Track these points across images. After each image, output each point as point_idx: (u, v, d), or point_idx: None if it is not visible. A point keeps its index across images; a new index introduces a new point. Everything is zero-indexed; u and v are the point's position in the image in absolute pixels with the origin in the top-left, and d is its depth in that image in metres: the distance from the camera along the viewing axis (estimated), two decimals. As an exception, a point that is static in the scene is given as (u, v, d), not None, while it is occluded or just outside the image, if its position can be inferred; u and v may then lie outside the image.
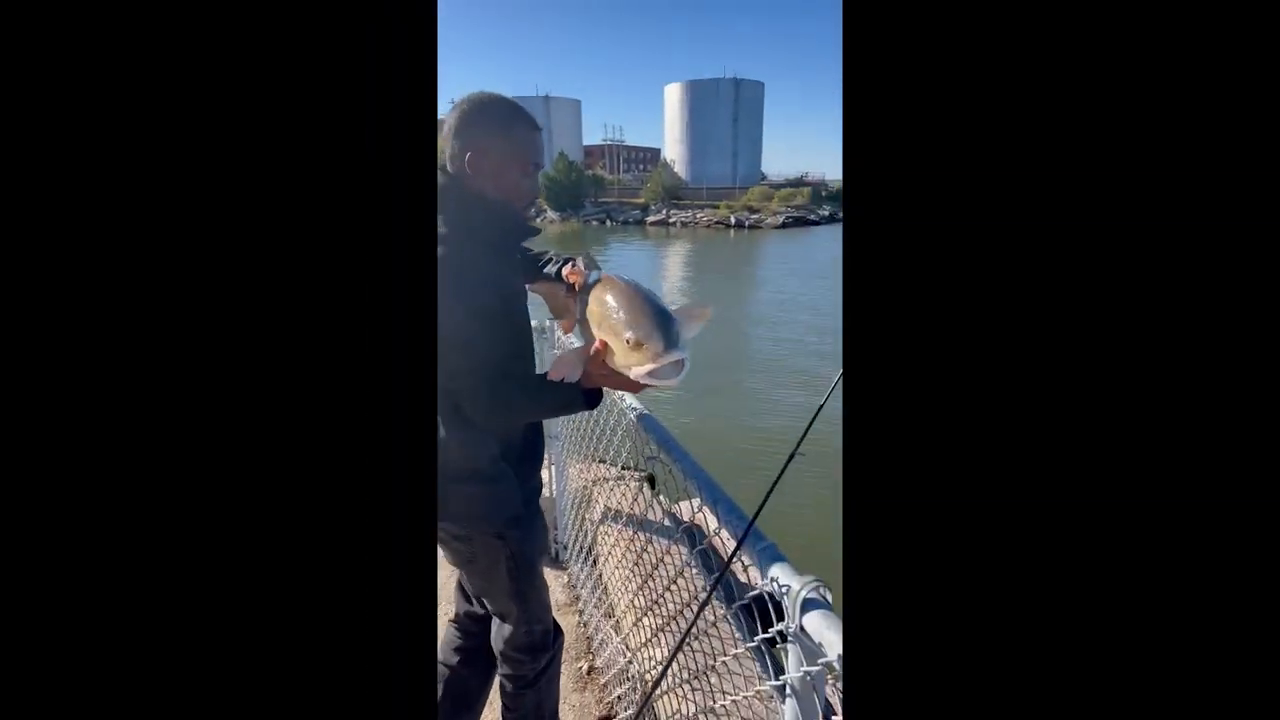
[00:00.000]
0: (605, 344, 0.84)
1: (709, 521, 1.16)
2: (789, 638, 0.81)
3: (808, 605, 0.80)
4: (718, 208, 37.37)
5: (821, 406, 0.93)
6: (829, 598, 0.83)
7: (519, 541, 1.07)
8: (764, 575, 0.90)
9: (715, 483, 1.16)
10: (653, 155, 71.26)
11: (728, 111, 52.51)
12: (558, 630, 1.24)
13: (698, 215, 36.72)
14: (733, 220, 34.68)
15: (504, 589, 1.10)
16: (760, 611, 0.91)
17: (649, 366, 0.79)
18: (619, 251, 23.06)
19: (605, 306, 0.85)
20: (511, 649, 1.17)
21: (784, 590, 0.85)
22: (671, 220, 36.83)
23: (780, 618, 0.84)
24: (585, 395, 0.91)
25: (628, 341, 0.79)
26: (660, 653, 1.50)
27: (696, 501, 1.06)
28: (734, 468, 4.64)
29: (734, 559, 0.97)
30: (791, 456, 1.00)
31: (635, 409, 1.36)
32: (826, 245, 23.29)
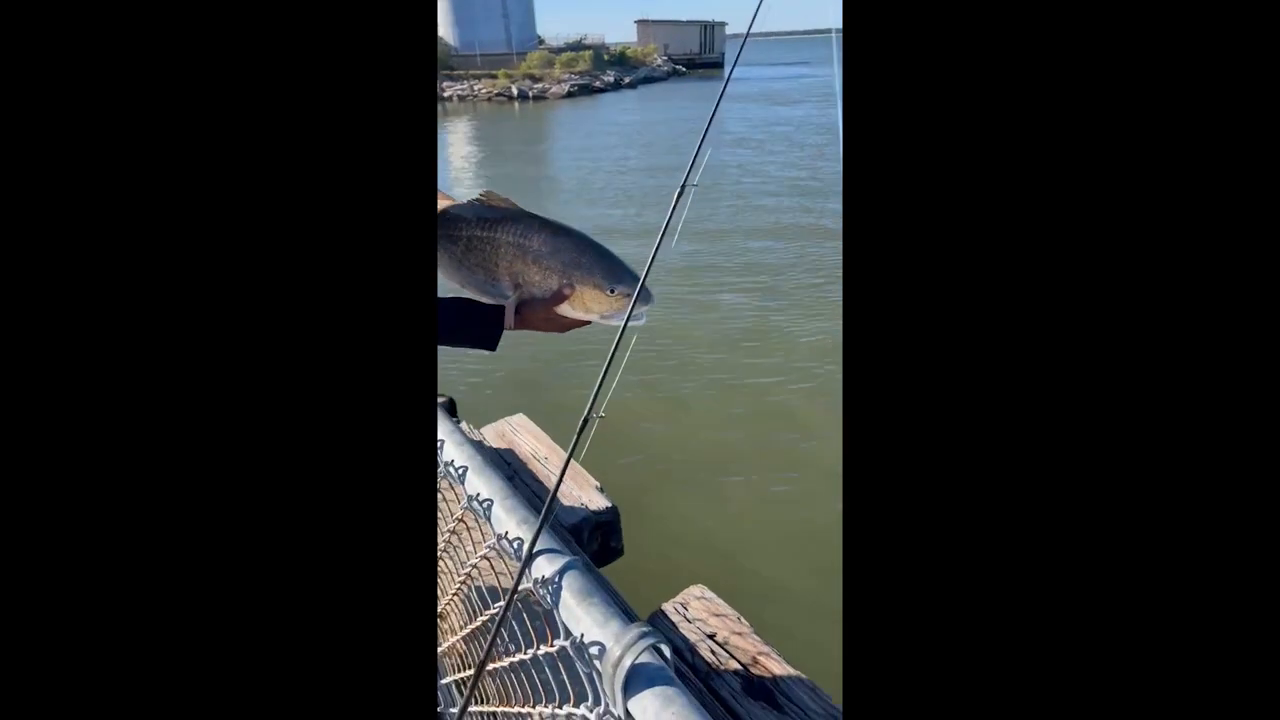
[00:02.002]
0: (573, 292, 0.85)
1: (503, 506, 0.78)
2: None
3: (637, 677, 0.49)
4: (496, 77, 34.00)
5: (610, 360, 0.66)
6: (668, 655, 0.54)
7: None
8: (560, 627, 0.57)
9: (489, 469, 0.79)
10: (411, 17, 61.54)
11: (490, -39, 46.41)
12: None
13: (475, 87, 33.12)
14: (515, 91, 31.91)
15: None
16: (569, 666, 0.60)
17: (627, 311, 0.84)
18: (390, 135, 20.09)
19: (569, 256, 0.85)
20: None
21: (594, 653, 0.53)
22: (447, 94, 32.83)
23: (595, 698, 0.54)
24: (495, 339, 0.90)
25: (611, 292, 0.83)
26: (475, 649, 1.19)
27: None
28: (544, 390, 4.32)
29: (516, 592, 0.63)
30: (585, 422, 0.67)
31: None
32: (616, 113, 22.60)
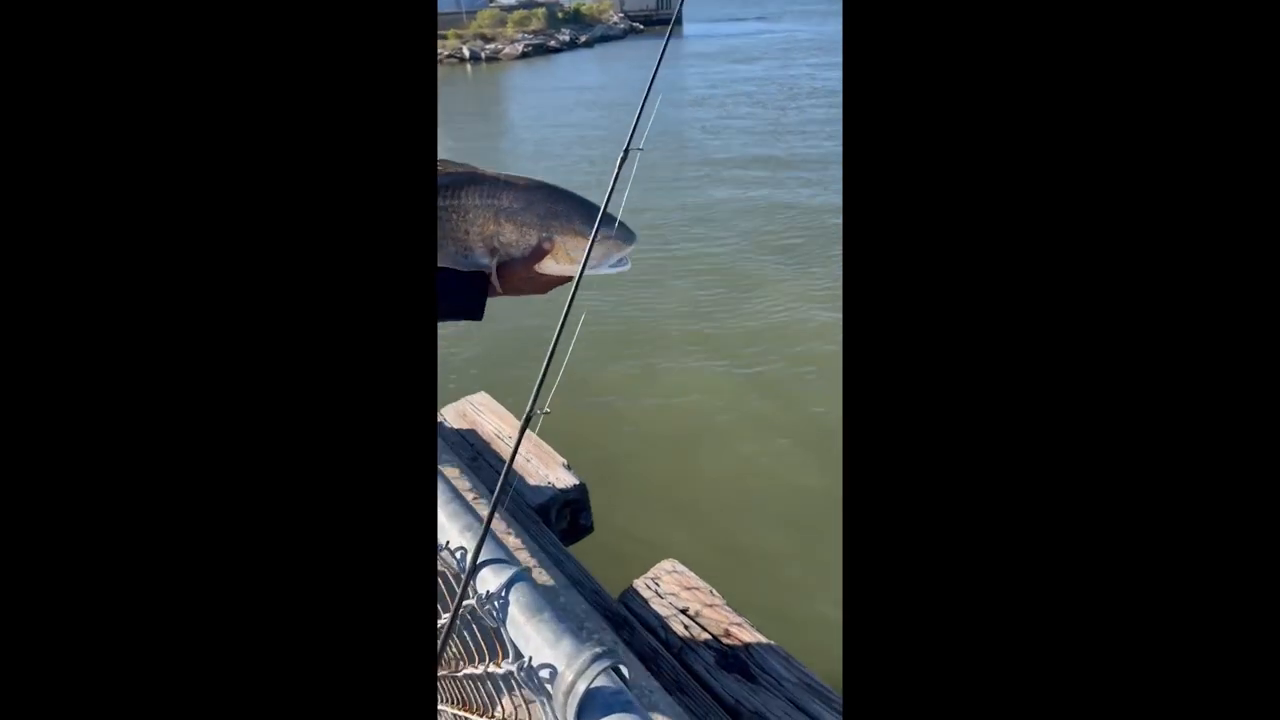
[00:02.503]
0: (553, 245, 0.81)
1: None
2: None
3: (592, 703, 0.45)
4: (446, 38, 32.57)
5: (549, 359, 0.66)
6: (626, 675, 0.49)
7: None
8: (505, 646, 0.53)
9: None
10: (352, -27, 58.12)
11: (433, -88, 43.82)
12: None
13: (425, 49, 31.67)
14: (467, 53, 30.66)
15: None
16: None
17: (615, 257, 0.82)
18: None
19: (544, 208, 0.81)
20: None
21: (544, 677, 0.49)
22: (395, 57, 31.26)
23: (547, 726, 0.49)
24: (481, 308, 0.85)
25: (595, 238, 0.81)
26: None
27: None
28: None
29: (459, 610, 0.58)
30: (527, 420, 0.62)
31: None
32: (574, 74, 21.93)
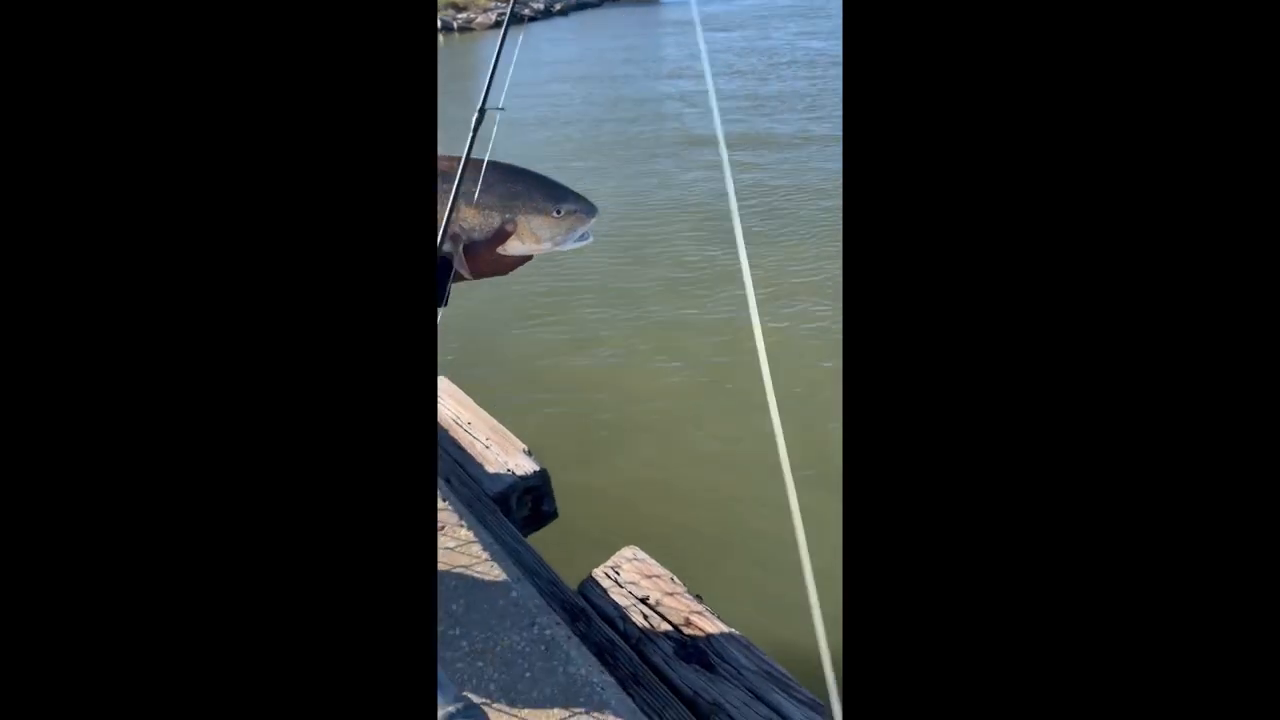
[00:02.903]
0: (516, 225, 0.80)
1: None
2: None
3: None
4: (417, 8, 31.49)
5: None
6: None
7: None
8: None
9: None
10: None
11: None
12: None
13: (395, 19, 30.61)
14: (439, 23, 29.77)
15: None
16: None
17: (579, 231, 0.81)
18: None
19: (503, 188, 0.79)
20: None
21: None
22: (364, 28, 30.22)
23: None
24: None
25: (557, 213, 0.80)
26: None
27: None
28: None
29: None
30: None
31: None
32: (550, 44, 21.36)
